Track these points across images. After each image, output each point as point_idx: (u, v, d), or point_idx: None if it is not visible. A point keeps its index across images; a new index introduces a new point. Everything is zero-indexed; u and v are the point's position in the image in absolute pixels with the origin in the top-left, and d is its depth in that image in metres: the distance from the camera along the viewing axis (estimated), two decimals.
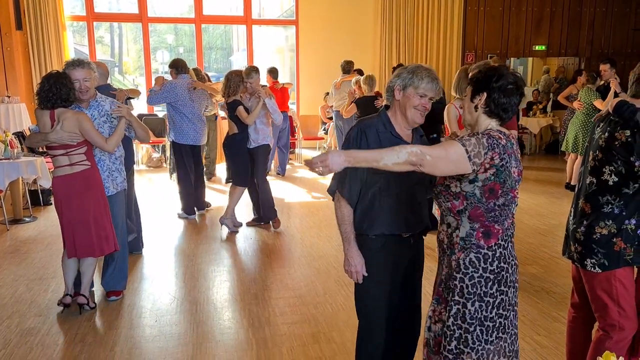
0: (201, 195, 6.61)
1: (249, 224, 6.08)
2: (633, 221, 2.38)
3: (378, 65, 10.79)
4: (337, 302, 4.13)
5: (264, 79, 8.15)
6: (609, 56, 11.30)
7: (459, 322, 2.16)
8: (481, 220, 2.11)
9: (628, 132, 2.31)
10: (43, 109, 3.74)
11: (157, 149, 9.97)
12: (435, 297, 2.32)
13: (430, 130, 4.73)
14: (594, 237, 2.43)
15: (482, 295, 2.12)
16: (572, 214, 2.60)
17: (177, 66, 6.25)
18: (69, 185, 3.78)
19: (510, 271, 2.17)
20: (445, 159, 1.98)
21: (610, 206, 2.40)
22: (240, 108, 5.55)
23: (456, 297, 2.17)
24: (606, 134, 2.40)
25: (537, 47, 11.34)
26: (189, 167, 6.26)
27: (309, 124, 10.85)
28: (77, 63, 3.87)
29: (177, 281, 4.59)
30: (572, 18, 11.37)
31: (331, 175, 2.28)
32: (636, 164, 2.30)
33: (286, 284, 4.49)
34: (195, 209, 6.49)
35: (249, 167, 5.78)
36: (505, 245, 2.16)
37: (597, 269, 2.44)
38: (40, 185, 6.80)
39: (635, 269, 2.54)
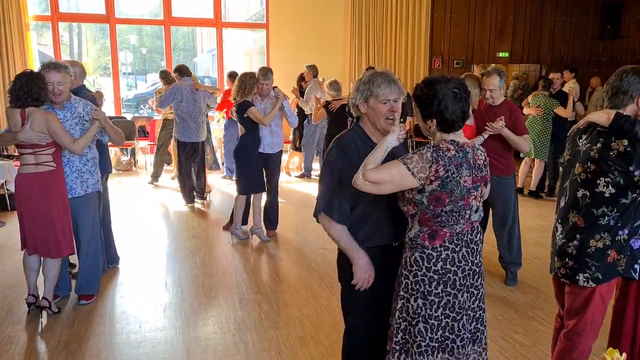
0: (202, 184, 7.28)
1: (225, 228, 6.06)
2: (626, 231, 2.41)
3: (348, 68, 10.92)
4: (321, 304, 4.18)
5: (226, 83, 8.29)
6: (568, 63, 11.79)
7: (404, 315, 2.27)
8: (429, 224, 2.20)
9: (626, 142, 2.33)
10: (14, 107, 3.73)
11: (125, 152, 9.82)
12: (395, 294, 2.40)
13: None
14: (588, 250, 2.44)
15: (425, 293, 2.21)
16: (558, 230, 2.60)
17: (181, 70, 7.13)
18: (31, 184, 3.78)
19: (460, 275, 2.21)
20: (391, 182, 2.13)
21: (606, 218, 2.41)
22: (253, 109, 5.34)
23: (401, 293, 2.28)
24: (599, 145, 2.40)
25: (500, 54, 11.69)
26: (185, 162, 7.07)
27: None
28: (53, 66, 3.84)
29: (159, 286, 4.56)
30: (534, 26, 11.78)
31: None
32: (636, 173, 2.31)
33: (270, 287, 4.52)
34: (195, 195, 7.28)
35: (261, 173, 5.60)
36: (456, 248, 2.21)
37: (590, 283, 2.45)
38: (7, 190, 6.62)
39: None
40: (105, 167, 4.71)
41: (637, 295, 2.54)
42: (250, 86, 5.40)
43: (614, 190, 2.37)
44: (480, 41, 11.57)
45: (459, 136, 2.23)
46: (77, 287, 4.19)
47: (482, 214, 2.30)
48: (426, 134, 2.29)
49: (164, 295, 4.38)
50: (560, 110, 7.31)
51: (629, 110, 2.45)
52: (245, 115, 5.35)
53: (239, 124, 5.57)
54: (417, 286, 2.23)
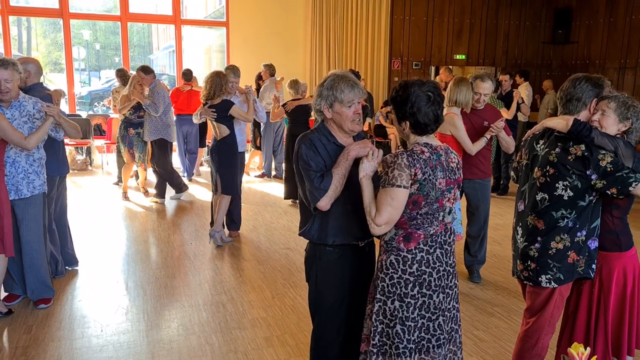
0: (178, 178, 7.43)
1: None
2: (584, 232, 2.51)
3: (309, 68, 10.94)
4: (286, 304, 4.19)
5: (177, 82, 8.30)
6: (522, 67, 12.18)
7: (381, 317, 2.30)
8: (404, 227, 2.24)
9: (583, 147, 2.42)
10: None
11: (80, 151, 9.55)
12: (370, 296, 2.44)
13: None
14: (550, 252, 2.53)
15: (402, 295, 2.25)
16: (518, 233, 2.68)
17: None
18: None
19: (435, 276, 2.25)
20: (395, 208, 2.16)
21: (565, 220, 2.50)
22: (236, 107, 5.35)
23: (378, 295, 2.31)
24: (557, 150, 2.49)
25: (457, 56, 11.97)
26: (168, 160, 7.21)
27: None
28: (0, 62, 3.70)
29: (120, 289, 4.47)
30: (489, 30, 12.10)
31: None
32: (592, 177, 2.40)
33: (234, 288, 4.50)
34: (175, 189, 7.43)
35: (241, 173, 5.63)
36: (430, 250, 2.25)
37: (552, 284, 2.55)
38: None
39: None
40: (62, 168, 4.58)
41: (590, 293, 2.65)
42: (221, 86, 5.31)
43: (572, 194, 2.46)
44: (438, 43, 11.81)
45: (432, 139, 2.28)
46: (29, 292, 4.07)
47: (455, 216, 2.35)
48: (401, 136, 2.34)
49: (125, 297, 4.30)
50: (503, 112, 7.55)
51: (582, 116, 2.57)
52: (229, 113, 5.33)
53: (216, 124, 5.37)
54: (394, 288, 2.26)
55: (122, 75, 8.02)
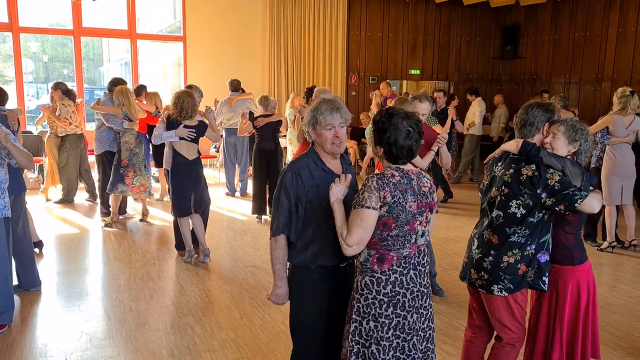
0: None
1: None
2: (533, 246, 2.70)
3: (267, 82, 10.98)
4: (255, 324, 4.18)
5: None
6: (473, 82, 12.60)
7: (357, 338, 2.37)
8: (376, 247, 2.32)
9: (534, 167, 2.63)
10: None
11: (32, 170, 9.23)
12: (348, 316, 2.50)
13: None
14: (502, 265, 2.72)
15: (376, 315, 2.32)
16: (474, 244, 2.87)
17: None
18: None
19: (409, 297, 2.32)
20: (364, 229, 2.24)
21: (516, 235, 2.69)
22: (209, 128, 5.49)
23: (354, 316, 2.38)
24: (511, 170, 2.69)
25: (412, 71, 12.27)
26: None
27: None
28: None
29: (83, 314, 4.34)
30: (442, 46, 12.48)
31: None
32: (542, 195, 2.60)
33: (201, 309, 4.45)
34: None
35: None
36: (404, 272, 2.32)
37: (503, 292, 2.74)
38: None
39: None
40: (19, 187, 4.45)
41: (549, 305, 2.81)
42: (194, 105, 5.32)
43: (524, 211, 2.66)
44: (394, 59, 12.09)
45: (405, 164, 2.36)
46: None
47: (428, 238, 2.43)
48: (374, 156, 2.42)
49: (89, 323, 4.18)
50: (437, 128, 7.78)
51: (536, 139, 2.80)
52: (206, 134, 5.47)
53: (190, 144, 5.34)
54: (369, 309, 2.32)
55: (60, 88, 7.79)
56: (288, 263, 2.61)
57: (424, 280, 2.40)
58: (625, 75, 10.27)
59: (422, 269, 2.39)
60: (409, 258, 2.33)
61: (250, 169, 8.63)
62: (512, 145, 2.74)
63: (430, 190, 2.39)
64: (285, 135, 8.59)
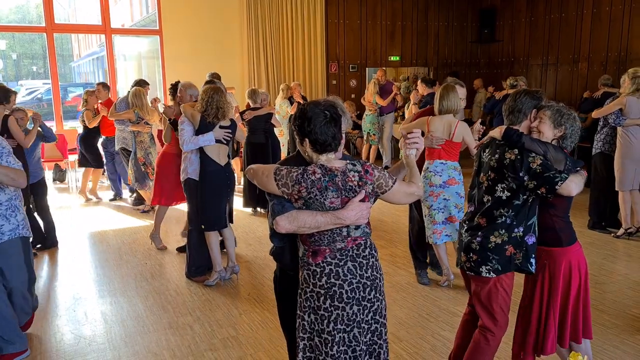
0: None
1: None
2: (521, 229, 2.78)
3: (247, 75, 10.87)
4: (255, 320, 4.17)
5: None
6: (452, 66, 12.66)
7: (301, 333, 2.39)
8: (307, 243, 2.34)
9: (517, 151, 2.71)
10: None
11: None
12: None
13: None
14: (489, 246, 2.80)
15: (315, 308, 2.34)
16: (464, 228, 2.96)
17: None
18: None
19: (346, 288, 2.29)
20: (259, 176, 2.31)
21: (503, 218, 2.78)
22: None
23: (298, 311, 2.41)
24: (496, 156, 2.79)
25: (392, 58, 12.26)
26: None
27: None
28: None
29: (79, 318, 4.29)
30: (420, 31, 12.48)
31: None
32: (524, 178, 2.67)
33: (199, 308, 4.42)
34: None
35: None
36: (340, 263, 2.30)
37: (491, 274, 2.81)
38: None
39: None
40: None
41: (541, 287, 2.87)
42: None
43: (509, 194, 2.76)
44: (373, 46, 12.06)
45: (331, 160, 2.28)
46: None
47: (366, 230, 2.36)
48: (305, 157, 2.35)
49: (85, 327, 4.13)
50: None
51: (524, 125, 2.87)
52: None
53: (224, 146, 4.76)
54: (308, 302, 2.35)
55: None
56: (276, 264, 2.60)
57: (366, 272, 2.34)
58: (601, 55, 10.41)
59: (364, 261, 2.34)
60: (344, 250, 2.31)
61: (238, 162, 8.60)
62: (497, 132, 2.85)
63: (359, 184, 2.26)
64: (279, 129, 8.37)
